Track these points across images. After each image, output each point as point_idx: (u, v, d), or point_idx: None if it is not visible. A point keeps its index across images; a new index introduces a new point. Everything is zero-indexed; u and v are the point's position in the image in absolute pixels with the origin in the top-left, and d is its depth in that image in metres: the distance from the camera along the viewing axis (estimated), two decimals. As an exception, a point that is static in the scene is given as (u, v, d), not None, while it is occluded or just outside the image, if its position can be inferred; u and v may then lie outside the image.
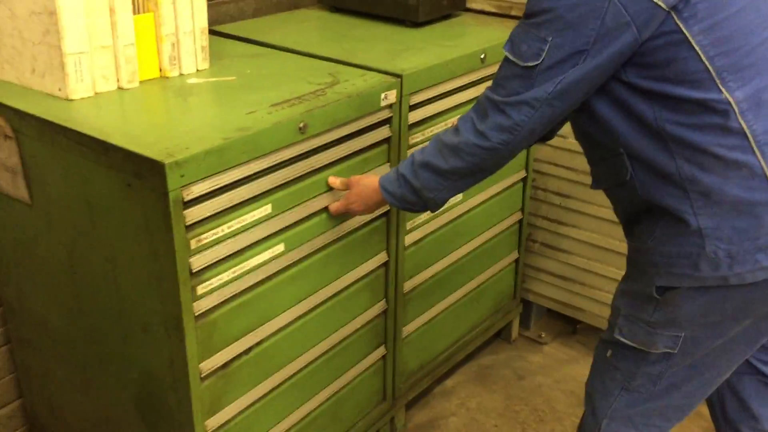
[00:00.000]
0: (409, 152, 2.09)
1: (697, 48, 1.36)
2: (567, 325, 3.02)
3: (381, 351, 2.25)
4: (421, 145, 2.13)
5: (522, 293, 2.93)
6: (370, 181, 1.76)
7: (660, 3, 1.34)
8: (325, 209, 1.86)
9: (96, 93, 1.80)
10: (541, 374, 2.79)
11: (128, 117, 1.72)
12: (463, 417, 2.57)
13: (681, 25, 1.35)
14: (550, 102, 1.43)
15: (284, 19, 2.55)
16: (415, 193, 1.65)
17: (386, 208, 2.02)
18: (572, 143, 2.53)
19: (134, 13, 1.82)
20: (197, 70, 1.98)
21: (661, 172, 1.45)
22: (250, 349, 1.77)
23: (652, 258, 1.51)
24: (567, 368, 2.83)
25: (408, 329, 2.34)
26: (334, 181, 1.83)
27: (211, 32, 2.36)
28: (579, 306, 2.86)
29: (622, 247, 2.64)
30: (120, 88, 1.84)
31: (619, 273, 2.70)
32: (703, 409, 1.99)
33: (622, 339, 1.59)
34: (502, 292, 2.80)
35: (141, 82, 1.88)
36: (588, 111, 1.51)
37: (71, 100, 1.75)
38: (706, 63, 1.37)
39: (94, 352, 1.86)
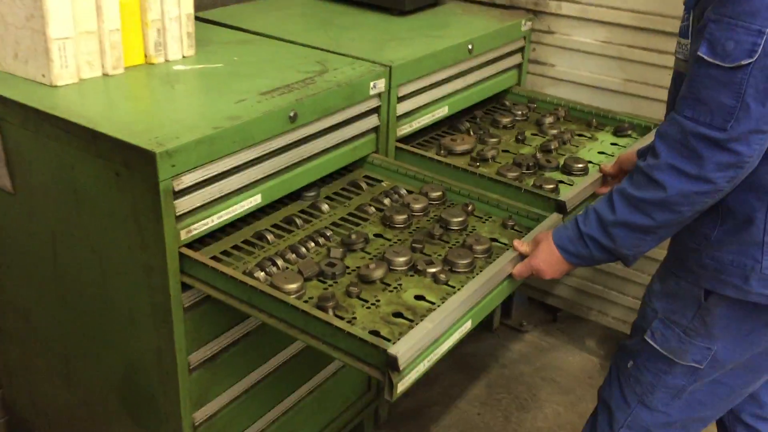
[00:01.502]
0: (397, 144, 2.09)
1: None
2: (547, 314, 3.05)
3: (366, 341, 2.25)
4: (409, 133, 2.13)
5: (504, 282, 2.94)
6: (550, 239, 1.53)
7: None
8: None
9: (81, 79, 1.76)
10: (522, 362, 2.82)
11: (115, 104, 1.69)
12: (446, 405, 2.59)
13: None
14: None
15: (269, 5, 2.51)
16: (608, 252, 1.45)
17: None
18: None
19: (119, -3, 1.79)
20: (183, 57, 1.95)
21: (750, 177, 1.33)
22: (238, 340, 1.76)
23: (703, 260, 1.46)
24: (548, 356, 2.86)
25: (393, 319, 2.34)
26: (521, 246, 1.58)
27: (196, 18, 2.32)
28: (559, 294, 2.88)
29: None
30: (105, 75, 1.80)
31: (601, 263, 2.73)
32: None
33: (653, 344, 1.56)
34: (485, 282, 2.81)
35: (126, 68, 1.84)
36: None
37: (56, 86, 1.71)
38: None
39: (78, 343, 1.83)
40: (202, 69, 1.89)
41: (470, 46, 2.24)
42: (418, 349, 1.33)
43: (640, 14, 2.36)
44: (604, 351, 2.86)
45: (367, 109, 1.94)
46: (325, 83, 1.81)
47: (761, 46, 1.16)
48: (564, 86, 2.58)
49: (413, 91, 2.09)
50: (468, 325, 1.47)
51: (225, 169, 1.58)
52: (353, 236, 1.68)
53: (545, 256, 1.52)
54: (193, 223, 1.55)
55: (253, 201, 1.68)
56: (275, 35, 2.17)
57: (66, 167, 1.60)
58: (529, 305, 3.08)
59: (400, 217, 1.77)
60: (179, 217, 1.51)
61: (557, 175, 2.04)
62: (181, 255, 1.54)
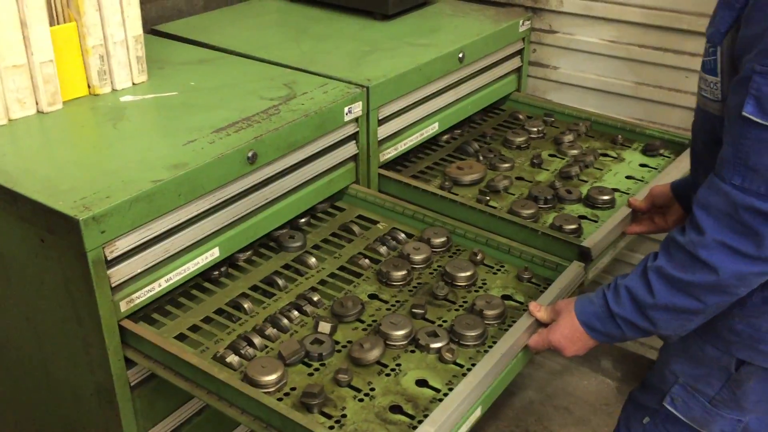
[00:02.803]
0: (381, 170, 1.86)
1: None
2: (558, 332, 2.82)
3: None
4: (394, 157, 1.90)
5: (510, 301, 2.72)
6: (572, 313, 1.32)
7: None
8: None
9: (10, 120, 1.55)
10: (532, 389, 2.60)
11: (46, 151, 1.47)
12: (449, 443, 2.38)
13: None
14: None
15: (239, 12, 2.28)
16: (646, 333, 1.25)
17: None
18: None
19: (52, 24, 1.56)
20: (133, 84, 1.73)
21: None
22: (201, 411, 1.55)
23: (736, 326, 1.25)
24: (560, 381, 2.63)
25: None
26: (538, 310, 1.36)
27: (155, 32, 2.10)
28: (571, 314, 2.65)
29: (619, 253, 2.44)
30: (40, 112, 1.59)
31: (615, 280, 2.49)
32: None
33: (673, 411, 1.36)
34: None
35: (66, 102, 1.62)
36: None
37: (-21, 131, 1.50)
38: None
39: (27, 415, 1.63)
40: (153, 99, 1.67)
41: (461, 55, 1.99)
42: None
43: (650, 10, 2.10)
44: (620, 372, 2.63)
45: (343, 137, 1.71)
46: (291, 113, 1.58)
47: None
48: (568, 90, 2.33)
49: (396, 111, 1.86)
50: (477, 413, 1.25)
51: (170, 226, 1.36)
52: (346, 303, 1.43)
53: (567, 332, 1.30)
54: (135, 291, 1.33)
55: (209, 256, 1.47)
56: (241, 51, 1.94)
57: (-11, 229, 1.39)
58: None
59: (399, 274, 1.52)
60: (116, 288, 1.30)
61: (579, 209, 1.78)
62: (123, 329, 1.33)
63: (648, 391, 1.44)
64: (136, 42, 1.71)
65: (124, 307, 1.32)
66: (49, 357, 1.45)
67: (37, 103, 1.58)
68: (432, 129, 2.00)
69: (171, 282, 1.40)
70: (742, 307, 1.22)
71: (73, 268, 1.27)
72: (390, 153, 1.87)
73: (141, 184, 1.30)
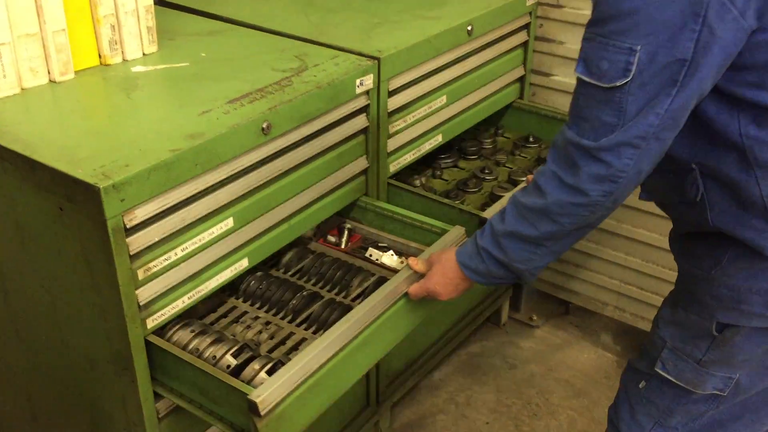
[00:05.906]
0: (390, 142, 1.87)
1: None
2: (559, 306, 2.85)
3: (363, 355, 2.06)
4: (404, 133, 1.91)
5: (512, 275, 2.75)
6: (450, 257, 1.44)
7: None
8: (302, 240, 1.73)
9: (23, 89, 1.55)
10: (533, 362, 2.63)
11: (61, 120, 1.47)
12: (452, 414, 2.41)
13: None
14: (657, 135, 1.13)
15: (245, -17, 2.26)
16: (504, 267, 1.35)
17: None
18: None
19: (64, -8, 1.56)
20: (143, 55, 1.72)
21: (741, 198, 1.21)
22: (215, 378, 1.57)
23: (716, 290, 1.29)
24: (560, 354, 2.67)
25: (392, 329, 2.15)
26: (416, 264, 1.52)
27: (162, 3, 2.09)
28: (573, 289, 2.68)
29: (621, 228, 2.46)
30: (52, 82, 1.58)
31: (617, 255, 2.52)
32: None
33: (666, 375, 1.41)
34: (491, 276, 2.61)
35: (77, 72, 1.62)
36: None
37: (-7, 100, 1.50)
38: None
39: (40, 383, 1.65)
40: (165, 70, 1.66)
41: (470, 27, 2.00)
42: (169, 284, 1.38)
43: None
44: (620, 346, 2.67)
45: (353, 109, 1.71)
46: (304, 85, 1.59)
47: (635, 65, 1.10)
48: (573, 66, 2.32)
49: (406, 83, 1.86)
50: (245, 263, 1.51)
51: (187, 195, 1.37)
52: None
53: (439, 278, 1.45)
54: (152, 260, 1.34)
55: (224, 226, 1.48)
56: (250, 22, 1.94)
57: (5, 197, 1.39)
58: (539, 297, 2.88)
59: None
60: (134, 256, 1.31)
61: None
62: (140, 296, 1.34)
63: (642, 358, 1.50)
64: (147, 12, 1.70)
65: (141, 275, 1.33)
66: (65, 326, 1.46)
67: (49, 72, 1.58)
68: (440, 102, 2.01)
69: (186, 251, 1.41)
70: (719, 266, 1.27)
71: (92, 237, 1.28)
72: (399, 125, 1.88)
73: (159, 153, 1.31)
